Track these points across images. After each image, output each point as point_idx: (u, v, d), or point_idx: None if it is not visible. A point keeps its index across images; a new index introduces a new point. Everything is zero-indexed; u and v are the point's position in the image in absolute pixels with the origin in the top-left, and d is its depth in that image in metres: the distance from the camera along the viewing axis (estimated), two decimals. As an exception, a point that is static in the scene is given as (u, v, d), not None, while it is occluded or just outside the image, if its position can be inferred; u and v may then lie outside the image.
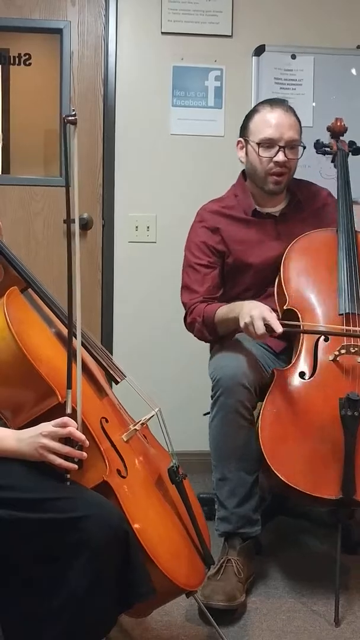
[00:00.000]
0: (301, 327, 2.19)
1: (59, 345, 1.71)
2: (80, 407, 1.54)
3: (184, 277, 2.43)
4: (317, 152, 2.58)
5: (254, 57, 3.10)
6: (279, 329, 2.05)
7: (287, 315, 2.20)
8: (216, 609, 1.95)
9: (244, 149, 2.37)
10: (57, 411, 1.56)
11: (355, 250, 2.25)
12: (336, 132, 2.57)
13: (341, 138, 2.56)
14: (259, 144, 2.28)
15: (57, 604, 1.41)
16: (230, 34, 3.09)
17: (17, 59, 3.11)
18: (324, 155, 2.59)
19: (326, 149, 2.55)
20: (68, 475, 1.50)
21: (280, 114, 2.28)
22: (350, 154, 2.53)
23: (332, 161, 2.55)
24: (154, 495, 1.69)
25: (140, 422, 1.75)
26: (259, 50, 3.10)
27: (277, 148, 2.27)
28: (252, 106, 3.05)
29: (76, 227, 1.67)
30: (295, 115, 2.33)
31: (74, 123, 1.55)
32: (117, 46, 3.05)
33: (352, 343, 2.10)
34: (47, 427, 1.49)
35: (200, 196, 2.56)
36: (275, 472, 2.02)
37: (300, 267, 2.30)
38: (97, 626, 1.45)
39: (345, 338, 2.12)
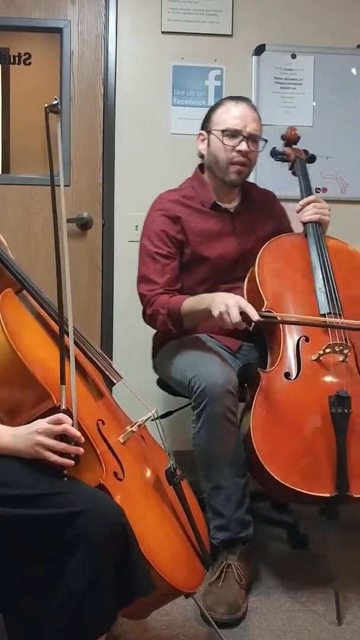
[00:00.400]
0: (278, 317, 2.19)
1: (54, 347, 1.70)
2: (75, 404, 1.54)
3: (142, 267, 2.38)
4: (275, 160, 2.66)
5: (254, 57, 3.10)
6: (255, 316, 2.06)
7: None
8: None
9: (205, 140, 2.40)
10: (53, 414, 1.56)
11: (327, 253, 2.32)
12: (291, 140, 2.66)
13: (294, 146, 2.65)
14: (223, 132, 2.32)
15: (56, 602, 1.41)
16: (230, 34, 3.09)
17: (17, 59, 3.11)
18: (282, 162, 2.68)
19: (284, 156, 2.63)
20: (65, 472, 1.50)
21: (245, 108, 2.36)
22: (307, 161, 2.60)
23: (290, 169, 2.62)
24: (152, 497, 1.69)
25: (137, 424, 1.74)
26: (259, 50, 3.10)
27: (240, 138, 2.32)
28: (252, 106, 3.09)
29: (62, 219, 1.62)
30: (258, 113, 2.40)
31: (57, 112, 1.53)
32: (117, 45, 3.04)
33: (338, 342, 2.13)
34: (41, 424, 1.49)
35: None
36: (272, 473, 2.02)
37: (275, 270, 2.33)
38: (97, 623, 1.45)
39: (330, 337, 2.15)
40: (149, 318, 2.34)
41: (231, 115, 2.33)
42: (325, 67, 3.14)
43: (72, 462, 1.49)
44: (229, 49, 3.09)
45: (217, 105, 2.41)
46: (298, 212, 2.45)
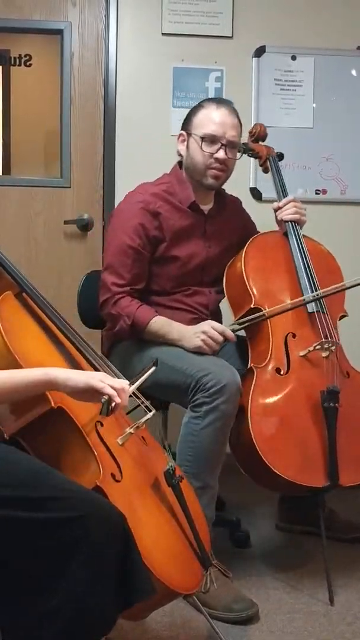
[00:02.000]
0: (265, 314, 2.26)
1: (54, 350, 1.70)
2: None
3: (110, 256, 2.33)
4: (248, 156, 2.63)
5: (254, 58, 3.10)
6: (232, 337, 2.21)
7: (252, 314, 2.27)
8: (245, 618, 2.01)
9: (185, 142, 2.36)
10: (51, 417, 1.56)
11: (307, 251, 2.37)
12: (260, 136, 2.62)
13: (262, 143, 2.63)
14: (202, 138, 2.29)
15: (56, 603, 1.41)
16: (230, 35, 3.09)
17: (17, 60, 3.12)
18: (255, 158, 2.66)
19: (255, 153, 2.60)
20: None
21: (225, 113, 2.31)
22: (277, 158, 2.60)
23: (262, 165, 2.61)
24: (150, 498, 1.69)
25: (135, 425, 1.74)
26: (260, 51, 3.10)
27: (219, 145, 2.29)
28: (253, 107, 3.10)
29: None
30: (239, 118, 2.36)
31: None
32: (117, 47, 3.05)
33: (328, 339, 2.23)
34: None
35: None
36: (270, 465, 2.08)
37: (261, 267, 2.36)
38: (97, 625, 1.44)
39: (321, 336, 2.25)
40: (109, 316, 2.30)
41: (211, 121, 2.29)
42: (326, 68, 3.15)
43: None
44: (229, 50, 3.10)
45: (198, 106, 2.36)
46: (276, 210, 2.47)
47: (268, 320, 2.24)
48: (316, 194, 3.19)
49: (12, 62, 3.13)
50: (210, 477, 2.12)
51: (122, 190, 3.10)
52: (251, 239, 2.38)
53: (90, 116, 3.10)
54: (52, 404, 1.55)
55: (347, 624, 2.03)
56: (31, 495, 1.44)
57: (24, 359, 1.56)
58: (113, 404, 1.52)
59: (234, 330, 2.23)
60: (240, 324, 2.25)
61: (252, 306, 2.27)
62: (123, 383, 1.57)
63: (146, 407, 1.81)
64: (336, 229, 3.23)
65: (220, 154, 2.29)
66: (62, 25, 3.05)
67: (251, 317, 2.24)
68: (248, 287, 2.28)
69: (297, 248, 2.38)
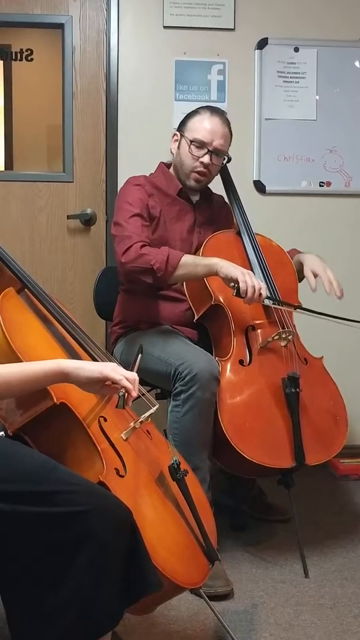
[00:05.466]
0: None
1: (56, 345, 1.70)
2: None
3: (123, 224, 2.33)
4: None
5: (256, 51, 3.09)
6: (264, 296, 2.24)
7: (213, 311, 2.37)
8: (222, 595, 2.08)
9: (178, 142, 2.48)
10: (54, 413, 1.56)
11: (260, 249, 2.48)
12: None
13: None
14: (191, 142, 2.42)
15: (62, 598, 1.41)
16: (232, 27, 3.08)
17: (19, 55, 3.11)
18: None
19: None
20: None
21: (217, 122, 2.43)
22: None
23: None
24: (154, 493, 1.68)
25: (139, 420, 1.74)
26: (262, 44, 3.09)
27: (205, 150, 2.42)
28: (256, 99, 3.09)
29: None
30: (230, 128, 2.47)
31: None
32: (119, 40, 3.04)
33: (284, 330, 2.36)
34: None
35: (204, 190, 2.56)
36: (241, 452, 2.20)
37: None
38: (103, 620, 1.45)
39: (279, 326, 2.38)
40: (137, 259, 2.24)
41: (202, 127, 2.41)
42: (329, 60, 3.13)
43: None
44: (231, 43, 3.08)
45: (195, 112, 2.48)
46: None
47: (229, 315, 2.34)
48: (320, 186, 3.17)
49: (14, 57, 3.12)
50: (198, 459, 2.20)
51: (125, 184, 3.10)
52: (206, 240, 2.45)
53: (93, 110, 3.09)
54: (55, 400, 1.55)
55: (354, 616, 2.03)
56: (37, 489, 1.44)
57: (25, 355, 1.55)
58: (125, 395, 1.55)
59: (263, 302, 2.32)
60: (276, 302, 2.38)
61: (212, 303, 2.35)
62: (134, 374, 1.58)
63: (149, 400, 1.81)
64: (340, 221, 3.22)
65: (205, 159, 2.42)
66: (63, 19, 3.04)
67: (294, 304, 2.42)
68: (208, 285, 2.35)
69: (250, 245, 2.48)
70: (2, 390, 1.48)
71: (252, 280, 2.20)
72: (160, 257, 2.24)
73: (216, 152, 2.43)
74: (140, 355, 1.90)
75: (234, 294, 2.21)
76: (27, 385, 1.49)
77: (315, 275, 2.43)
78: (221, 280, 2.26)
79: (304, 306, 2.41)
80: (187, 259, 2.27)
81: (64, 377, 1.50)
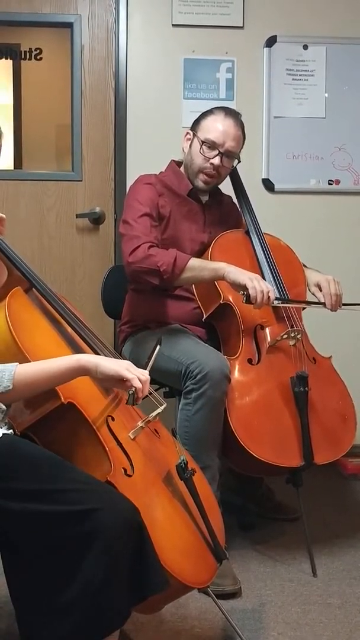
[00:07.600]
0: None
1: (63, 344, 1.70)
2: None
3: (132, 223, 2.33)
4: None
5: (265, 48, 3.08)
6: (272, 298, 2.24)
7: (221, 311, 2.37)
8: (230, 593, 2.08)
9: (190, 141, 2.47)
10: (62, 412, 1.57)
11: (269, 248, 2.49)
12: None
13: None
14: (203, 142, 2.41)
15: (71, 596, 1.41)
16: (241, 25, 3.07)
17: (28, 54, 3.11)
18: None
19: None
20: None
21: (231, 124, 2.42)
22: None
23: None
24: (162, 493, 1.69)
25: (147, 419, 1.74)
26: (271, 41, 3.08)
27: (217, 152, 2.40)
28: (265, 98, 3.08)
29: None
30: (243, 131, 2.47)
31: None
32: (127, 39, 3.04)
33: (292, 329, 2.36)
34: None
35: (212, 189, 2.55)
36: (250, 450, 2.19)
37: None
38: (111, 618, 1.45)
39: (287, 325, 2.38)
40: (144, 259, 2.24)
41: (215, 128, 2.40)
42: (338, 57, 3.12)
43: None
44: (240, 40, 3.08)
45: (209, 111, 2.47)
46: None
47: (238, 314, 2.33)
48: (329, 184, 3.17)
49: (23, 56, 3.12)
50: (208, 457, 2.20)
51: (133, 183, 3.10)
52: (215, 239, 2.45)
53: (101, 109, 3.09)
54: (62, 400, 1.55)
55: (363, 615, 2.03)
56: (47, 488, 1.44)
57: (33, 354, 1.56)
58: (137, 394, 1.57)
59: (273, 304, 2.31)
60: (285, 301, 2.38)
61: (221, 302, 2.35)
62: (145, 373, 1.61)
63: (156, 398, 1.81)
64: (349, 219, 3.21)
65: (216, 161, 2.41)
66: (72, 18, 3.04)
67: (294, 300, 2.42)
68: (216, 285, 2.35)
69: (259, 245, 2.48)
70: (30, 389, 1.52)
71: (260, 285, 2.19)
72: (168, 259, 2.24)
73: (227, 154, 2.42)
74: (158, 348, 1.90)
75: (244, 301, 2.21)
76: (53, 382, 1.54)
77: (320, 289, 2.44)
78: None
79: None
80: (194, 262, 2.27)
81: (84, 371, 1.55)
